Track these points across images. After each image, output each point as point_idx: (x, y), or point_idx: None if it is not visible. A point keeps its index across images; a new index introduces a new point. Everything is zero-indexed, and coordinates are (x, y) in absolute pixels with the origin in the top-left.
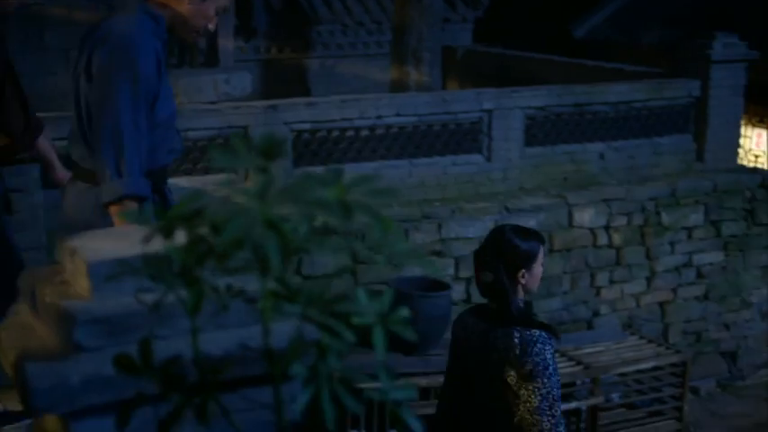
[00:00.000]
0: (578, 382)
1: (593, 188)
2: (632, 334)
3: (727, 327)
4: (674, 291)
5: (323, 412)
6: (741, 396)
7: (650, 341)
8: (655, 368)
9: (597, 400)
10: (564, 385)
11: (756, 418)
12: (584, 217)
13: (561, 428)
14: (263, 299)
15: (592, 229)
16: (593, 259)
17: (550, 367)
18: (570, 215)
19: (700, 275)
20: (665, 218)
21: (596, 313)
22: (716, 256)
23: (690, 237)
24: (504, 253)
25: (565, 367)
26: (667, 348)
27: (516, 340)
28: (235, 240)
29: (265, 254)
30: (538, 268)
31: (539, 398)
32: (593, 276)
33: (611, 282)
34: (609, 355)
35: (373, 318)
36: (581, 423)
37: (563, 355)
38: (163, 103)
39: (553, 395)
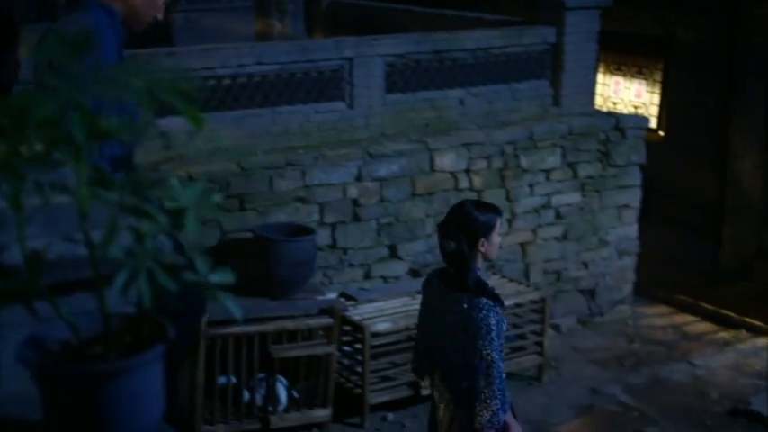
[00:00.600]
0: None
1: (453, 133)
2: (494, 274)
3: (585, 265)
4: (534, 231)
5: (141, 292)
6: (600, 331)
7: (511, 280)
8: (516, 305)
9: None
10: None
11: (614, 351)
12: (445, 161)
13: (495, 387)
14: (78, 185)
15: (453, 173)
16: (455, 202)
17: (492, 333)
18: (431, 160)
19: (558, 216)
20: (524, 161)
21: None
22: (573, 197)
23: (548, 179)
24: (464, 225)
25: None
26: (527, 286)
27: (465, 305)
28: (46, 121)
29: (74, 136)
30: (495, 238)
31: (478, 358)
32: None
33: None
34: None
35: (186, 203)
36: None
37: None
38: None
39: (492, 357)
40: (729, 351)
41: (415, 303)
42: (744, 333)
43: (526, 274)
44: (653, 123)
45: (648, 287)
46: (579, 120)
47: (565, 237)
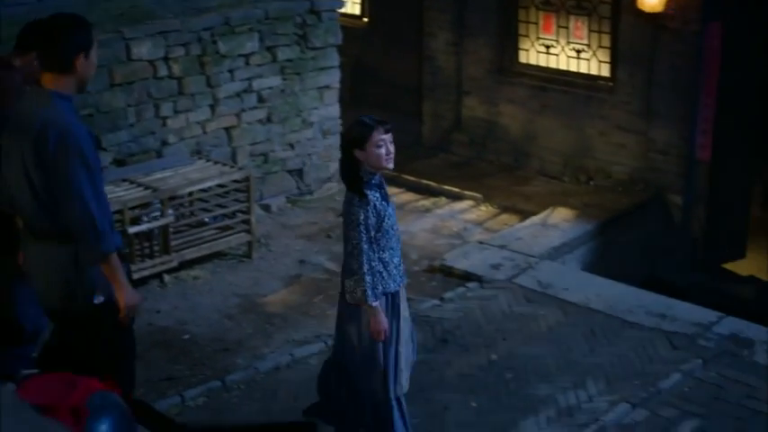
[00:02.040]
0: (154, 202)
1: (149, 22)
2: (200, 158)
3: (291, 146)
4: (238, 116)
5: None
6: (309, 208)
7: (216, 163)
8: (219, 186)
9: (167, 220)
10: (134, 208)
11: (322, 225)
12: (142, 50)
13: (363, 270)
14: None
15: (151, 62)
16: (155, 91)
17: (360, 225)
18: (128, 49)
19: (261, 99)
20: (222, 46)
21: (165, 143)
22: (274, 81)
23: (247, 63)
24: (343, 138)
25: (134, 193)
26: (231, 167)
27: (345, 201)
28: None
29: None
30: (372, 149)
31: (350, 246)
32: (157, 107)
33: (176, 111)
34: (177, 179)
35: None
36: (154, 243)
37: (132, 182)
38: (97, 163)
39: (360, 246)
40: (429, 216)
41: (120, 191)
42: (443, 200)
43: (233, 158)
44: (357, 10)
45: None
46: (275, 4)
47: (269, 119)
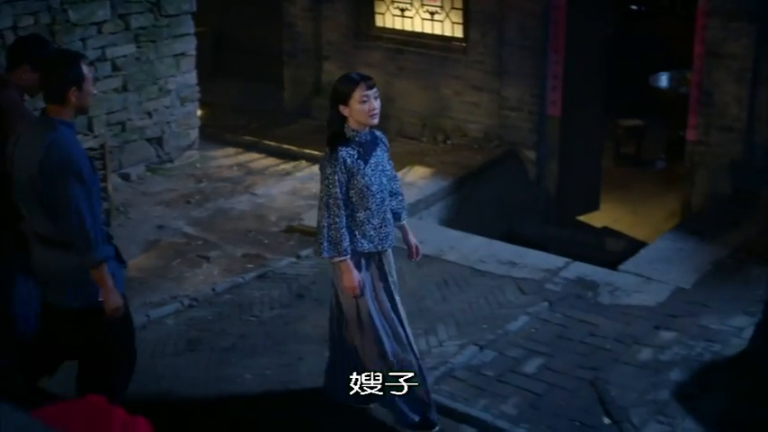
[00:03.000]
0: None
1: None
2: None
3: (149, 114)
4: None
5: None
6: (169, 176)
7: None
8: None
9: None
10: None
11: (182, 191)
12: None
13: (325, 223)
14: None
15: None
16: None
17: (328, 179)
18: None
19: (115, 68)
20: (72, 15)
21: None
22: (128, 49)
23: (100, 32)
24: (330, 93)
25: None
26: (85, 135)
27: (325, 155)
28: None
29: None
30: (355, 104)
31: (319, 198)
32: None
33: None
34: None
35: None
36: None
37: None
38: (94, 178)
39: (325, 201)
40: (289, 180)
41: None
42: (303, 163)
43: (90, 127)
44: None
45: (219, 134)
46: None
47: (125, 88)
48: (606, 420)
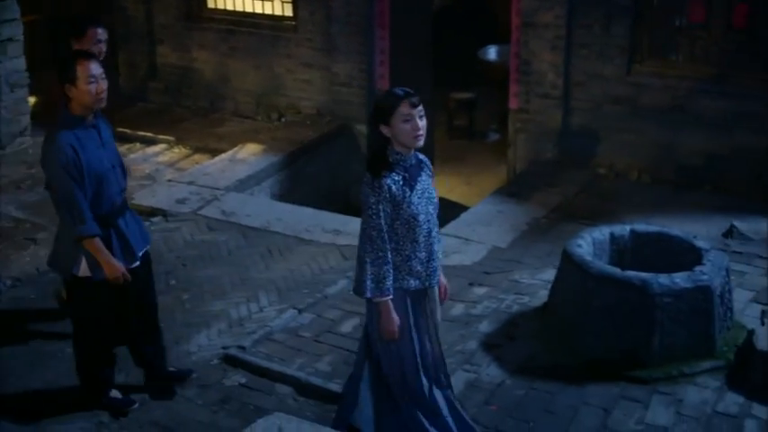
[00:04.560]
0: None
1: None
2: None
3: None
4: None
5: None
6: (3, 162)
7: None
8: None
9: None
10: None
11: (13, 177)
12: None
13: (367, 258)
14: None
15: None
16: None
17: (371, 209)
18: None
19: None
20: None
21: None
22: None
23: None
24: (370, 111)
25: None
26: None
27: (363, 180)
28: None
29: None
30: (398, 123)
31: (361, 230)
32: None
33: None
34: None
35: None
36: None
37: None
38: (93, 165)
39: (368, 233)
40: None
41: None
42: (137, 145)
43: None
44: None
45: (53, 120)
46: None
47: None
48: None
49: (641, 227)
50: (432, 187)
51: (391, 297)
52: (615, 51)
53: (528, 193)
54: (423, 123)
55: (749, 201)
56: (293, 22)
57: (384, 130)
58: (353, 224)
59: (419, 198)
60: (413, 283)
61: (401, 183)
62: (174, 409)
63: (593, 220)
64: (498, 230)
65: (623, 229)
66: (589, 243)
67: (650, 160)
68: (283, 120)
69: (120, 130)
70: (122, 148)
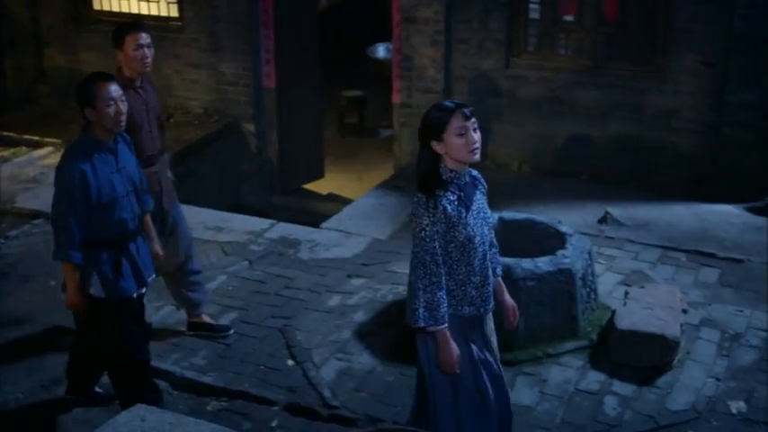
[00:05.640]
0: None
1: None
2: None
3: None
4: None
5: None
6: None
7: None
8: None
9: None
10: None
11: None
12: None
13: (420, 286)
14: None
15: None
16: None
17: (424, 232)
18: None
19: None
20: None
21: None
22: None
23: None
24: (420, 126)
25: None
26: None
27: (413, 200)
28: None
29: None
30: (452, 138)
31: (412, 255)
32: None
33: None
34: None
35: None
36: None
37: None
38: (105, 191)
39: (421, 258)
40: (8, 165)
41: None
42: (23, 149)
43: None
44: None
45: None
46: None
47: None
48: (290, 362)
49: (509, 214)
50: (486, 206)
51: (446, 326)
52: (494, 46)
53: (411, 186)
54: (478, 136)
55: (624, 188)
56: (179, 23)
57: (436, 146)
58: (235, 221)
59: (475, 218)
60: (467, 309)
61: (456, 203)
62: (50, 405)
63: None
64: (379, 223)
65: (492, 217)
66: None
67: (530, 151)
68: (172, 120)
69: (6, 134)
70: (7, 152)
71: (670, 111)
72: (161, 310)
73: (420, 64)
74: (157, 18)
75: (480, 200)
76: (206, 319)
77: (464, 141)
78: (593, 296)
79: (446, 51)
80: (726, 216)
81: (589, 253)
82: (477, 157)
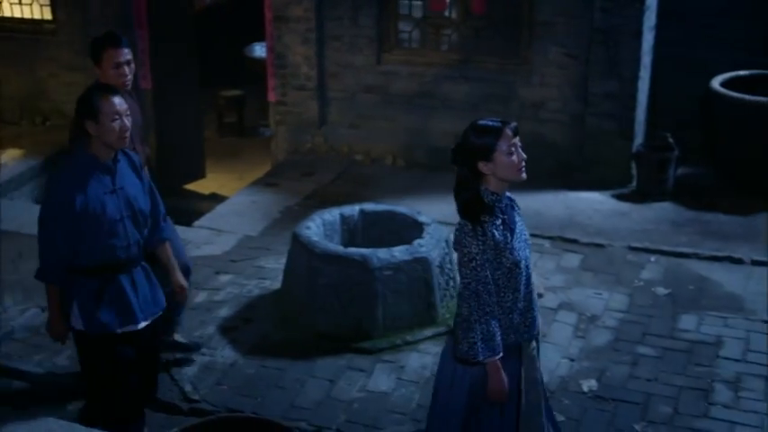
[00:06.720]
0: None
1: None
2: None
3: None
4: None
5: None
6: None
7: None
8: None
9: None
10: None
11: None
12: None
13: (475, 317)
14: None
15: None
16: None
17: (474, 261)
18: None
19: None
20: None
21: None
22: None
23: None
24: (462, 149)
25: None
26: None
27: (457, 227)
28: None
29: None
30: (502, 158)
31: (462, 285)
32: None
33: None
34: None
35: None
36: None
37: None
38: (93, 213)
39: (473, 287)
40: None
41: None
42: None
43: None
44: None
45: None
46: None
47: None
48: None
49: (370, 206)
50: (525, 227)
51: (502, 355)
52: (365, 42)
53: (284, 183)
54: (524, 154)
55: None
56: (53, 25)
57: (483, 167)
58: None
59: (519, 242)
60: (512, 337)
61: (501, 227)
62: None
63: (347, 204)
64: (250, 220)
65: (353, 210)
66: (319, 225)
67: (404, 145)
68: (48, 124)
69: None
70: None
71: (538, 102)
72: (26, 312)
73: (293, 62)
74: (31, 21)
75: (520, 222)
76: None
77: (515, 160)
78: (451, 284)
79: (318, 48)
80: (591, 203)
81: (446, 242)
82: (525, 175)
